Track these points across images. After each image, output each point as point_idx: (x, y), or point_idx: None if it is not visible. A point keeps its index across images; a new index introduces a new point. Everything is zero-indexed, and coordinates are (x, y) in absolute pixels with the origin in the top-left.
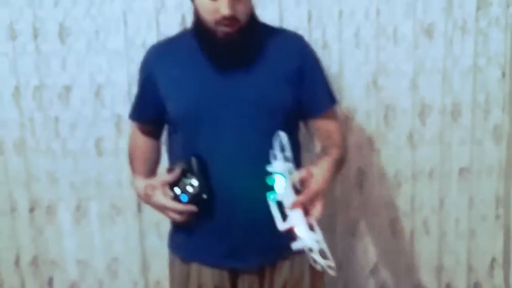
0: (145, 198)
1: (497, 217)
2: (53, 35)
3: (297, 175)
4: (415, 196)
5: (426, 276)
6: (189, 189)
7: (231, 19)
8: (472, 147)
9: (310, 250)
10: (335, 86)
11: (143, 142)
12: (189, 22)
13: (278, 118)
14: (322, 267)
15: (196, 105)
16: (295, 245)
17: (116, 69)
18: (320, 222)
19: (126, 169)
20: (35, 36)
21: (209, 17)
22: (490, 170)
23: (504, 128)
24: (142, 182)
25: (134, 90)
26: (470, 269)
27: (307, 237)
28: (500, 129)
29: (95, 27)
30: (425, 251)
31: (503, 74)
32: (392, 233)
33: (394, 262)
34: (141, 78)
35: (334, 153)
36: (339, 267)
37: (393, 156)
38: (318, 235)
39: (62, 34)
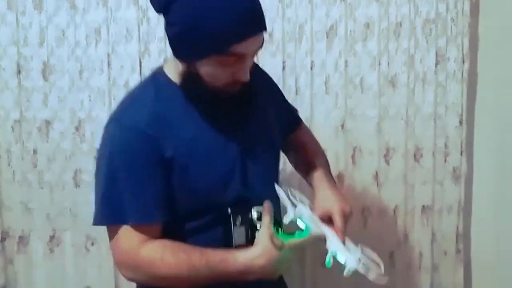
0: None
1: (458, 251)
2: (37, 72)
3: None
4: (381, 231)
5: None
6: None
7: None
8: (434, 186)
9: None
10: None
11: (169, 245)
12: None
13: (278, 151)
14: (375, 279)
15: (230, 164)
16: (346, 273)
17: (97, 106)
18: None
19: None
20: (18, 72)
21: (218, 83)
22: (450, 207)
23: (462, 169)
24: (257, 248)
25: None
26: None
27: (348, 261)
28: (459, 171)
29: (79, 67)
30: (390, 284)
31: (460, 122)
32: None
33: None
34: (141, 162)
35: (322, 161)
36: None
37: (360, 194)
38: (357, 251)
39: (46, 71)
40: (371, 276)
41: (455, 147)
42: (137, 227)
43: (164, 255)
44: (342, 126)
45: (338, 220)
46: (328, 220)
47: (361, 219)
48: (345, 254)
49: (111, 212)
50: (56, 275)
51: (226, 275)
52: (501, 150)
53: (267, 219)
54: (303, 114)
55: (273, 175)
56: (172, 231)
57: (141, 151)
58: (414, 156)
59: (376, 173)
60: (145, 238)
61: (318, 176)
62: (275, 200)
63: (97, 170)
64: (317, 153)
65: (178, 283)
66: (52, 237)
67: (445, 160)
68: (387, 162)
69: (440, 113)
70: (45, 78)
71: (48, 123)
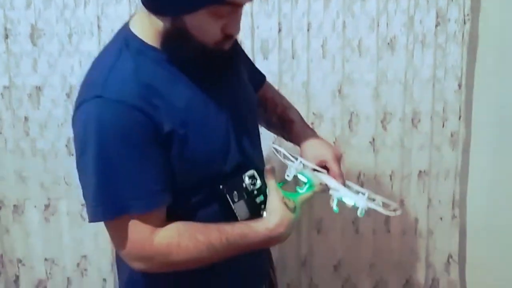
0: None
1: (453, 217)
2: (25, 37)
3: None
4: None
5: (387, 272)
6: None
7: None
8: (431, 152)
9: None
10: (302, 94)
11: (183, 228)
12: None
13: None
14: (390, 212)
15: (225, 131)
16: (360, 214)
17: None
18: None
19: None
20: (6, 36)
21: (209, 38)
22: (447, 173)
23: (460, 134)
24: (274, 215)
25: None
26: (428, 265)
27: (357, 201)
28: (456, 136)
29: (68, 30)
30: (386, 249)
31: (459, 86)
32: (355, 231)
33: (357, 259)
34: (137, 141)
35: (295, 113)
36: (304, 263)
37: (356, 159)
38: (362, 192)
39: (34, 35)
40: (385, 210)
41: (453, 111)
42: (144, 215)
43: (181, 240)
44: (339, 91)
45: (334, 165)
46: (323, 168)
47: (358, 185)
48: (352, 196)
49: (110, 204)
50: (52, 244)
51: (247, 248)
52: (500, 115)
53: (272, 183)
54: (299, 79)
55: (259, 137)
56: (173, 210)
57: (135, 129)
58: (412, 121)
59: (373, 138)
60: (155, 225)
61: (298, 129)
62: (263, 163)
63: (81, 158)
64: (288, 107)
65: (198, 264)
66: (47, 206)
67: (443, 125)
68: (384, 128)
69: (439, 77)
70: (33, 43)
71: (38, 89)
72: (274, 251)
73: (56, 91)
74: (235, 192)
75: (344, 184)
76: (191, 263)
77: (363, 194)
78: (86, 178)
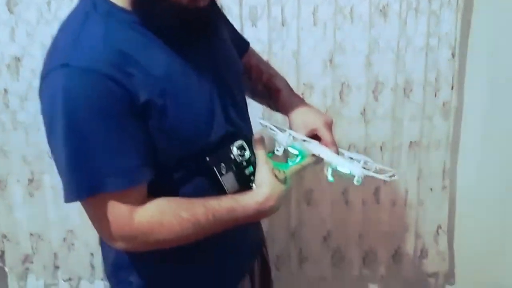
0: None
1: (444, 187)
2: (1, 4)
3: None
4: None
5: (376, 242)
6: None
7: None
8: (422, 122)
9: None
10: (293, 64)
11: (166, 205)
12: None
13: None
14: (387, 178)
15: (208, 99)
16: (357, 182)
17: None
18: None
19: None
20: None
21: None
22: (438, 143)
23: (452, 104)
24: (263, 186)
25: None
26: (417, 236)
27: (353, 169)
28: (449, 106)
29: None
30: (375, 220)
31: (453, 54)
32: (345, 203)
33: (347, 230)
34: (111, 112)
35: (282, 81)
36: (293, 235)
37: (347, 130)
38: (357, 157)
39: (11, 3)
40: (382, 176)
41: (446, 81)
42: (122, 192)
43: (164, 218)
44: (331, 60)
45: (325, 133)
46: (314, 137)
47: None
48: (347, 164)
49: (84, 182)
50: (37, 219)
51: (235, 223)
52: (492, 85)
53: (262, 153)
54: (289, 48)
55: (246, 105)
56: (156, 185)
57: (107, 100)
58: (404, 90)
59: (364, 109)
60: (135, 203)
61: (285, 97)
62: (252, 133)
63: (51, 135)
64: (274, 74)
65: (185, 242)
66: (31, 181)
67: (435, 95)
68: (376, 98)
69: (432, 45)
70: (10, 10)
71: (17, 60)
72: (264, 224)
73: (36, 61)
74: (223, 164)
75: (338, 152)
76: (177, 241)
77: (358, 161)
78: (57, 156)
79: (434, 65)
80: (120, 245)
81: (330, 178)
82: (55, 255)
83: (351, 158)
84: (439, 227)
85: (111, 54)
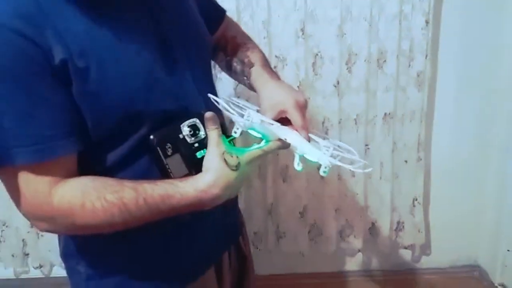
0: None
1: (418, 160)
2: None
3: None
4: (342, 141)
5: (352, 216)
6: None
7: None
8: (396, 93)
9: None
10: (263, 34)
11: (90, 185)
12: None
13: (209, 49)
14: (356, 168)
15: (148, 65)
16: (323, 172)
17: None
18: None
19: None
20: None
21: None
22: (412, 115)
23: (426, 74)
24: (209, 173)
25: None
26: (393, 209)
27: (321, 157)
28: (423, 76)
29: None
30: (351, 194)
31: (427, 22)
32: (321, 177)
33: (323, 205)
34: (18, 73)
35: (257, 55)
36: (270, 211)
37: (320, 104)
38: (327, 144)
39: None
40: (351, 166)
41: (420, 50)
42: (36, 167)
43: (85, 200)
44: (302, 30)
45: (295, 115)
46: (285, 120)
47: (322, 130)
48: (315, 152)
49: None
50: (2, 206)
51: (172, 212)
52: (466, 53)
53: (214, 134)
54: (259, 17)
55: (210, 83)
56: (90, 165)
57: (15, 59)
58: (377, 61)
59: (338, 81)
60: (54, 179)
61: (255, 73)
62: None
63: None
64: (250, 47)
65: (114, 229)
66: None
67: (409, 65)
68: (349, 70)
69: (406, 13)
70: None
71: None
72: (240, 202)
73: None
74: (169, 144)
75: (308, 137)
76: (103, 227)
77: (328, 149)
78: None
79: (408, 33)
80: (41, 225)
81: (296, 166)
82: (24, 241)
83: (323, 145)
84: (415, 199)
85: (18, 5)
